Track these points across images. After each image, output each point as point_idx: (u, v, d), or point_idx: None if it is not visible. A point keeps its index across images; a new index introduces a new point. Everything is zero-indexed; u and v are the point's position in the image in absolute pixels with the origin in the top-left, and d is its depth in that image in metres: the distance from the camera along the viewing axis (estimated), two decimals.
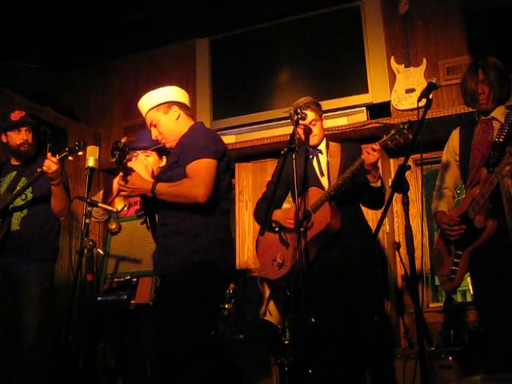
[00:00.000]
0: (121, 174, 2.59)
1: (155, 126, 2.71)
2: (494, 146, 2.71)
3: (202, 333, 2.47)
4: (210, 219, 2.54)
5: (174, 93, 2.75)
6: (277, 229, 3.24)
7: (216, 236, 2.54)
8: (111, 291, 3.13)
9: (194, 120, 2.79)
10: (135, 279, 3.05)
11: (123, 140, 2.54)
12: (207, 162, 2.52)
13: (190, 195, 2.48)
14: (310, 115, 3.14)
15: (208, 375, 2.41)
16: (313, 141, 3.21)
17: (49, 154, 3.18)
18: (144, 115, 2.75)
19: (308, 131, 3.18)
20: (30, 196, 3.41)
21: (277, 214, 3.22)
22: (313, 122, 3.17)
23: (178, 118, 2.71)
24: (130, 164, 2.72)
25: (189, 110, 2.79)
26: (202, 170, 2.50)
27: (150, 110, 2.70)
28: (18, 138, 3.46)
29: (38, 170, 3.23)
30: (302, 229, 2.97)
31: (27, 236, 3.36)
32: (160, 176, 2.69)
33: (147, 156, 3.15)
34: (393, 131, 2.80)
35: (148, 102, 2.71)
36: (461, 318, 3.80)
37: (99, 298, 3.14)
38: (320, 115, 3.23)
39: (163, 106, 2.69)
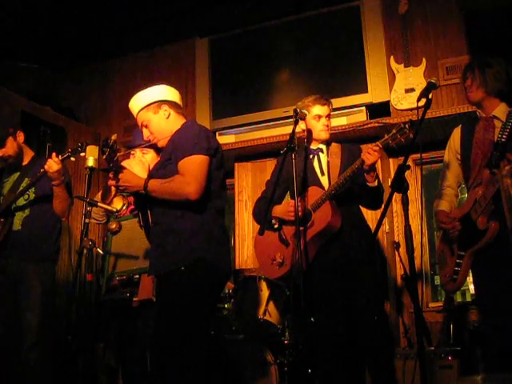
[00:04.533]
0: (112, 172, 2.57)
1: (146, 127, 2.71)
2: (496, 146, 2.69)
3: (199, 332, 2.46)
4: (204, 218, 2.53)
5: (163, 92, 2.74)
6: (276, 225, 3.21)
7: (211, 234, 2.53)
8: (114, 290, 3.13)
9: (185, 118, 2.78)
10: (137, 276, 3.05)
11: (113, 137, 2.52)
12: (199, 158, 2.51)
13: (181, 192, 2.47)
14: (328, 110, 3.21)
15: (207, 375, 2.41)
16: (325, 135, 3.21)
17: (53, 154, 3.19)
18: (135, 116, 2.75)
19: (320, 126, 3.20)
20: (32, 196, 3.41)
21: (277, 210, 3.21)
22: (328, 116, 3.22)
23: (168, 117, 2.70)
24: (125, 162, 2.71)
25: (180, 108, 2.78)
26: (193, 166, 2.49)
27: (140, 110, 2.70)
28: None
29: (41, 170, 3.23)
30: (301, 228, 2.98)
31: (28, 236, 3.36)
32: (153, 174, 2.68)
33: (144, 154, 3.15)
34: (394, 130, 2.81)
35: (138, 102, 2.71)
36: (460, 318, 3.79)
37: (103, 298, 3.14)
38: (331, 112, 3.28)
39: (153, 106, 2.69)
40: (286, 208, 3.16)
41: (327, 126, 3.21)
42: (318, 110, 3.17)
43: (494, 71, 2.77)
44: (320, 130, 3.19)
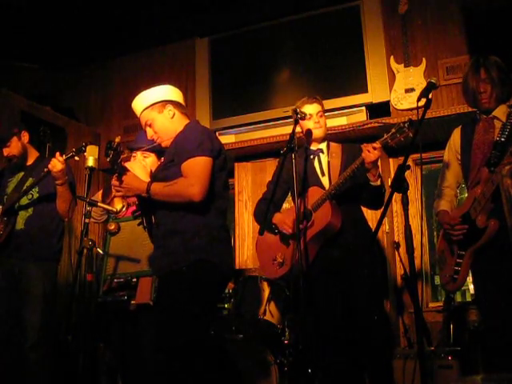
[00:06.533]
0: (115, 174, 2.57)
1: (150, 126, 2.69)
2: (495, 146, 2.70)
3: (200, 332, 2.46)
4: (206, 218, 2.53)
5: (167, 92, 2.73)
6: (276, 230, 3.26)
7: (213, 235, 2.53)
8: (111, 292, 3.13)
9: (189, 118, 2.78)
10: (135, 279, 3.04)
11: (117, 139, 2.53)
12: (202, 160, 2.50)
13: (184, 194, 2.46)
14: (317, 107, 3.23)
15: (206, 375, 2.41)
16: (319, 133, 3.22)
17: (57, 154, 3.19)
18: (138, 115, 2.73)
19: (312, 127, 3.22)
20: (36, 195, 3.41)
21: (276, 218, 3.23)
22: (319, 113, 3.23)
23: (172, 117, 2.69)
24: (128, 164, 2.71)
25: (183, 108, 2.77)
26: (197, 168, 2.48)
27: (145, 109, 2.68)
28: (3, 153, 3.47)
29: (45, 169, 3.24)
30: (301, 227, 2.98)
31: (31, 236, 3.36)
32: (156, 175, 2.68)
33: (145, 157, 3.15)
34: (393, 129, 2.81)
35: (142, 101, 2.70)
36: (460, 318, 3.80)
37: (99, 299, 3.13)
38: (323, 110, 3.29)
39: (157, 106, 2.67)
40: (283, 219, 3.18)
41: (318, 122, 3.22)
42: (307, 109, 3.18)
43: (501, 75, 2.77)
44: (312, 127, 3.21)
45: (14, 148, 3.45)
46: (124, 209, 3.19)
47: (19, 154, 3.48)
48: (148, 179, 2.69)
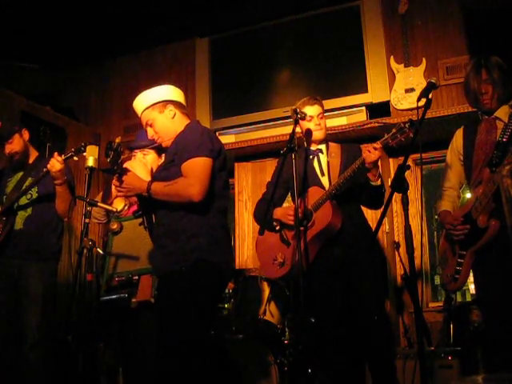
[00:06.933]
0: (116, 174, 2.57)
1: (151, 126, 2.70)
2: (497, 146, 2.70)
3: (200, 332, 2.46)
4: (206, 218, 2.53)
5: (168, 92, 2.74)
6: (278, 227, 3.25)
7: (213, 235, 2.53)
8: (113, 290, 3.13)
9: (189, 118, 2.78)
10: (136, 277, 3.05)
11: (117, 140, 2.53)
12: (202, 160, 2.51)
13: (184, 194, 2.47)
14: (318, 109, 3.22)
15: (206, 375, 2.41)
16: (320, 134, 3.22)
17: (55, 154, 3.19)
18: (139, 115, 2.73)
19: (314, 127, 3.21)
20: (35, 195, 3.42)
21: (277, 212, 3.23)
22: (320, 115, 3.23)
23: (173, 117, 2.70)
24: (128, 163, 2.71)
25: (184, 108, 2.77)
26: (197, 168, 2.49)
27: (146, 109, 2.68)
28: (5, 150, 3.46)
29: (44, 169, 3.24)
30: (302, 228, 2.98)
31: (30, 235, 3.36)
32: (156, 175, 2.69)
33: (145, 155, 3.15)
34: (394, 130, 2.82)
35: (143, 101, 2.70)
36: (460, 318, 3.80)
37: (102, 298, 3.14)
38: (324, 111, 3.29)
39: (158, 105, 2.68)
40: (285, 211, 3.18)
41: (319, 124, 3.22)
42: (308, 110, 3.17)
43: (503, 76, 2.77)
44: (313, 129, 3.21)
45: (16, 145, 3.45)
46: (126, 208, 3.20)
47: (21, 151, 3.47)
48: (149, 177, 2.71)
